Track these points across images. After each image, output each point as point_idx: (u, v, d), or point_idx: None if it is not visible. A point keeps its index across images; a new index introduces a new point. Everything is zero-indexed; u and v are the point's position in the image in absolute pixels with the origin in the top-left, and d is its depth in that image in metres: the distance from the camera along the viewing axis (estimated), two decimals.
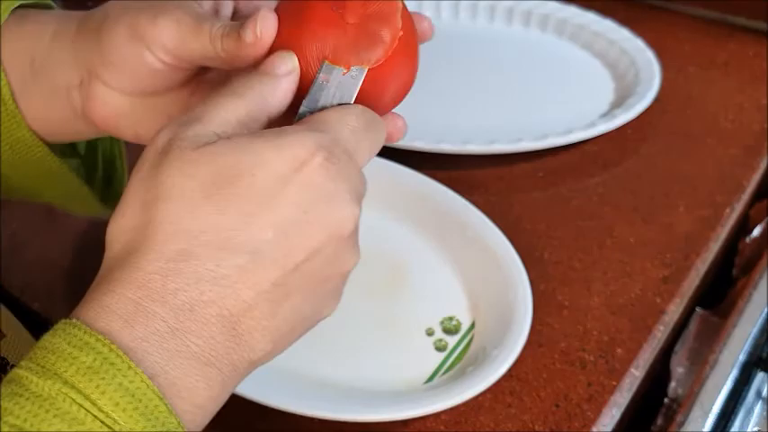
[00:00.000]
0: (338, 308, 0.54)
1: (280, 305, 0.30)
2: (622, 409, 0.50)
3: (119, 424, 0.26)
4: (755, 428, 0.54)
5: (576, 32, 0.82)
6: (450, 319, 0.54)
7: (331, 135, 0.31)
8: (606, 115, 0.71)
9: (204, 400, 0.29)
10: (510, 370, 0.49)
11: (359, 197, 0.31)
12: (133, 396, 0.26)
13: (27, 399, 0.26)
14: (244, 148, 0.29)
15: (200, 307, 0.28)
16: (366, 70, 0.33)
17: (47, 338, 0.27)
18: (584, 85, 0.77)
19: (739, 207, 0.64)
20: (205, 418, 0.29)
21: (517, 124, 0.71)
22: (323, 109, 0.33)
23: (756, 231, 0.64)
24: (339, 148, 0.31)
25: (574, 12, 0.83)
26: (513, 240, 0.56)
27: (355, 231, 0.31)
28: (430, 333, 0.53)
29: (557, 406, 0.49)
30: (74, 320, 0.27)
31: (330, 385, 0.50)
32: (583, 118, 0.71)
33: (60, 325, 0.27)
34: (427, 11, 0.86)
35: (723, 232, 0.62)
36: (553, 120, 0.71)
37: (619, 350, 0.52)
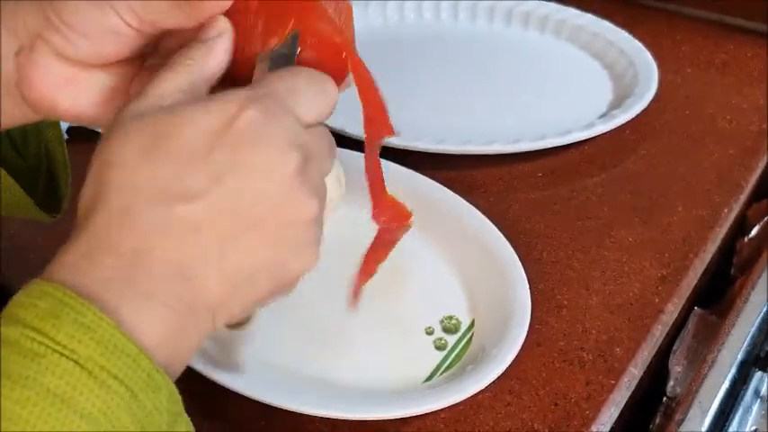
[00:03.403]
0: (338, 307, 0.54)
1: (228, 251, 0.31)
2: (621, 407, 0.50)
3: (77, 354, 0.27)
4: (753, 427, 0.54)
5: (574, 33, 0.83)
6: (450, 318, 0.54)
7: (265, 90, 0.32)
8: (605, 116, 0.72)
9: (161, 338, 0.30)
10: (509, 369, 0.49)
11: (299, 146, 0.32)
12: (89, 328, 0.28)
13: None
14: (177, 112, 0.31)
15: (144, 253, 0.30)
16: (297, 38, 0.35)
17: (14, 299, 0.29)
18: (583, 86, 0.77)
19: (737, 207, 0.64)
20: (167, 357, 0.30)
21: (516, 125, 0.71)
22: None
23: (754, 231, 0.65)
24: (272, 100, 0.32)
25: (572, 13, 0.84)
26: (513, 240, 0.56)
27: (303, 177, 0.32)
28: (429, 332, 0.53)
29: (555, 405, 0.49)
30: (34, 279, 0.29)
31: (330, 383, 0.50)
32: (581, 118, 0.71)
33: (25, 286, 0.29)
34: (426, 12, 0.86)
35: (721, 232, 0.62)
36: (552, 120, 0.71)
37: (617, 349, 0.52)
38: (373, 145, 0.41)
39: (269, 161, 0.31)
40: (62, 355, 0.27)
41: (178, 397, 0.30)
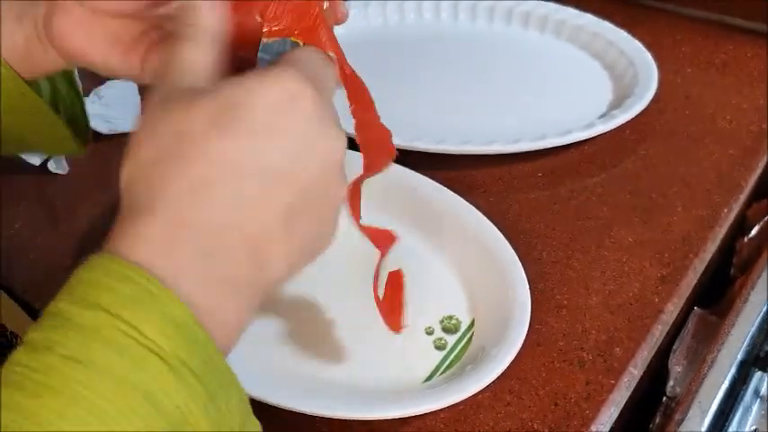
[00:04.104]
0: (338, 307, 0.54)
1: (294, 228, 0.31)
2: (620, 407, 0.50)
3: (164, 350, 0.27)
4: (753, 427, 0.54)
5: (574, 34, 0.83)
6: (450, 318, 0.54)
7: (309, 71, 0.33)
8: (604, 116, 0.71)
9: (235, 323, 0.30)
10: (509, 369, 0.49)
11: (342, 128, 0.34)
12: (175, 323, 0.27)
13: (73, 330, 0.27)
14: (237, 84, 0.31)
15: (225, 231, 0.29)
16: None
17: (83, 273, 0.28)
18: (583, 86, 0.77)
19: (737, 207, 0.64)
20: (234, 340, 0.31)
21: (516, 125, 0.71)
22: (280, 54, 0.36)
23: (754, 231, 0.65)
24: (318, 81, 0.33)
25: (572, 13, 0.84)
26: (512, 240, 0.56)
27: (344, 159, 0.33)
28: (429, 332, 0.53)
29: (555, 405, 0.49)
30: (108, 255, 0.28)
31: (330, 384, 0.50)
32: (581, 118, 0.71)
33: (96, 260, 0.28)
34: (426, 12, 0.86)
35: (721, 232, 0.62)
36: (552, 120, 0.71)
37: (617, 349, 0.52)
38: (365, 177, 0.42)
39: (330, 144, 0.32)
40: (150, 350, 0.26)
41: (246, 397, 0.30)
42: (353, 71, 0.38)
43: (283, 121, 0.30)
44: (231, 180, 0.29)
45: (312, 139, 0.31)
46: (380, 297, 0.50)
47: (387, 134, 0.42)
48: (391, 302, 0.50)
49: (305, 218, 0.32)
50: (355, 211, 0.44)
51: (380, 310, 0.50)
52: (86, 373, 0.26)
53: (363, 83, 0.39)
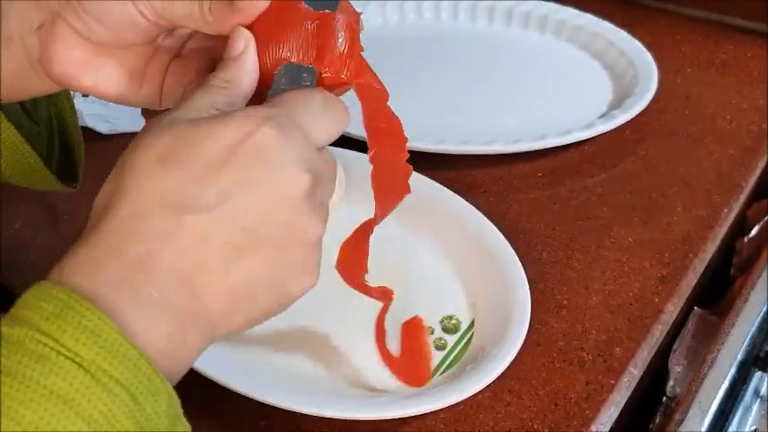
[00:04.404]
0: (338, 307, 0.54)
1: (233, 265, 0.31)
2: (621, 407, 0.50)
3: (81, 357, 0.28)
4: (753, 427, 0.54)
5: (574, 34, 0.83)
6: (450, 318, 0.54)
7: (284, 110, 0.33)
8: (605, 116, 0.72)
9: (162, 346, 0.30)
10: (509, 369, 0.49)
11: (310, 168, 0.32)
12: (93, 332, 0.28)
13: (1, 346, 0.28)
14: (198, 124, 0.32)
15: (151, 261, 0.30)
16: (316, 72, 0.36)
17: (22, 298, 0.30)
18: (583, 86, 0.77)
19: (737, 207, 0.64)
20: (166, 364, 0.30)
21: (516, 125, 0.71)
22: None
23: (754, 231, 0.65)
24: (289, 121, 0.33)
25: (572, 13, 0.84)
26: (512, 240, 0.56)
27: (311, 199, 0.32)
28: (429, 332, 0.53)
29: (555, 405, 0.49)
30: (43, 281, 0.30)
31: (330, 383, 0.50)
32: (581, 118, 0.71)
33: (34, 286, 0.30)
34: (426, 12, 0.86)
35: (721, 232, 0.62)
36: (552, 120, 0.71)
37: (617, 349, 0.52)
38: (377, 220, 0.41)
39: (280, 181, 0.32)
40: (66, 357, 0.28)
41: (177, 400, 0.30)
42: (390, 110, 0.38)
43: (228, 160, 0.31)
44: (161, 215, 0.30)
45: (259, 176, 0.31)
46: (392, 353, 0.50)
47: (408, 172, 0.41)
48: (413, 355, 0.50)
49: (252, 258, 0.32)
50: (356, 268, 0.44)
51: (394, 368, 0.50)
52: (7, 381, 0.27)
53: (399, 121, 0.39)
